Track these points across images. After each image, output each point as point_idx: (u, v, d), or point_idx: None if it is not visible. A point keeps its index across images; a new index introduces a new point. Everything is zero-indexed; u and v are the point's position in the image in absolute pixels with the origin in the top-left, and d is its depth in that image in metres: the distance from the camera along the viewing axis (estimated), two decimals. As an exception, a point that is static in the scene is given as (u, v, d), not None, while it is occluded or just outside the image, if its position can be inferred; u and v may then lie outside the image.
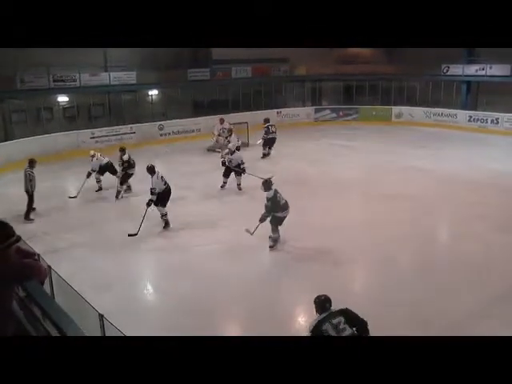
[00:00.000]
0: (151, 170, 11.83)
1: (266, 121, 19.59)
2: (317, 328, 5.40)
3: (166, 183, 11.92)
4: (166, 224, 11.87)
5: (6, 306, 3.47)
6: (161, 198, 11.73)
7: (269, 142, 19.29)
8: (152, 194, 11.57)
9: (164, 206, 11.87)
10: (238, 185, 15.07)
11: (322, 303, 5.61)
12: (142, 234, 11.50)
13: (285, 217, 10.45)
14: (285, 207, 10.39)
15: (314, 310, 5.70)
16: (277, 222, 10.44)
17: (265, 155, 19.31)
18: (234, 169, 14.93)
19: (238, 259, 10.12)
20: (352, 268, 10.17)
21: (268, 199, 10.22)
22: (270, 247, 10.45)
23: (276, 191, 10.36)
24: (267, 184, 10.34)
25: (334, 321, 5.38)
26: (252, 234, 10.37)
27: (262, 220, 10.29)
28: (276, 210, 10.29)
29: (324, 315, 5.51)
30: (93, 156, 14.81)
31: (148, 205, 11.53)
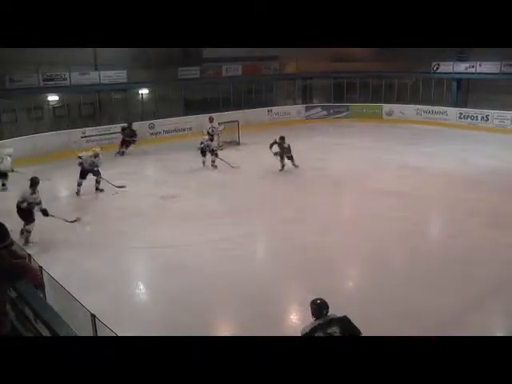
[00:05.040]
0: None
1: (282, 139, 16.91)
2: (309, 334, 5.12)
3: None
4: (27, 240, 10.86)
5: (0, 305, 3.47)
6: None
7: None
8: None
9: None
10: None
11: (319, 309, 5.31)
12: (134, 231, 11.51)
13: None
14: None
15: (310, 312, 5.38)
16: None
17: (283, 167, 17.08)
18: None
19: (232, 257, 10.12)
20: (343, 264, 10.23)
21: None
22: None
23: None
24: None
25: (329, 330, 5.10)
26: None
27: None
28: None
29: (319, 322, 5.22)
30: None
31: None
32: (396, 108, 27.63)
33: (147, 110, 24.64)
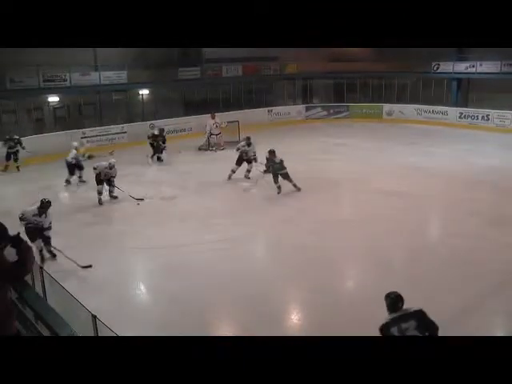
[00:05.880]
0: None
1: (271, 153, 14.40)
2: (386, 328, 5.03)
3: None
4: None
5: (7, 305, 3.48)
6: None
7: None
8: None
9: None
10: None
11: (394, 302, 5.20)
12: (135, 232, 11.52)
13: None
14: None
15: (386, 307, 5.27)
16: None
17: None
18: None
19: (232, 257, 10.12)
20: (343, 264, 10.22)
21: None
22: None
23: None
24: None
25: (404, 325, 4.97)
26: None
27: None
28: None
29: (395, 316, 5.11)
30: None
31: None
32: (396, 108, 27.64)
33: (147, 110, 24.65)
